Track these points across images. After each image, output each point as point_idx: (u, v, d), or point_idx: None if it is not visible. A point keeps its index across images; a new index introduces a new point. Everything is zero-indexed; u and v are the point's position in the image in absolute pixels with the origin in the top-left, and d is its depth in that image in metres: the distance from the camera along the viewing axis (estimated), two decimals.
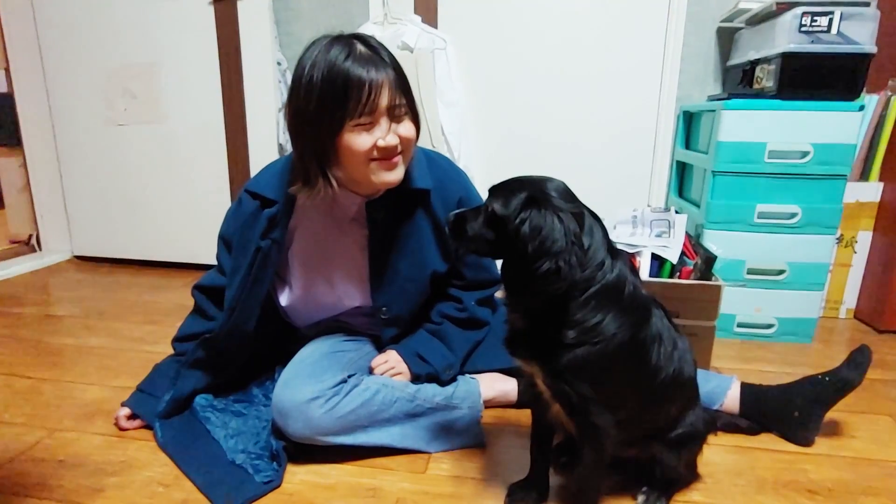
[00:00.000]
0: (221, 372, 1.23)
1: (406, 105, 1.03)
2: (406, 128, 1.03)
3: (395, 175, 1.05)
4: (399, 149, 1.03)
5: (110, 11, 2.21)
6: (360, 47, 0.98)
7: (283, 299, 1.22)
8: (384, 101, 0.98)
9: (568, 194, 0.83)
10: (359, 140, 0.98)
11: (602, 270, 0.80)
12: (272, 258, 1.15)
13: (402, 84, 1.01)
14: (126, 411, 1.20)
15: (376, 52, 0.99)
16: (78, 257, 2.61)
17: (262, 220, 1.12)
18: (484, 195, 0.88)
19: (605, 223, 0.86)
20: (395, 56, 1.03)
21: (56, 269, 2.47)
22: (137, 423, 1.20)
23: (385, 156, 1.01)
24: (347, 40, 0.98)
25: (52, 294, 2.15)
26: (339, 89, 0.95)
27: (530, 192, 0.79)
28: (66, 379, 1.43)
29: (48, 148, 2.47)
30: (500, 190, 0.83)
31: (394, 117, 1.01)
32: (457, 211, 0.90)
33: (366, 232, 1.15)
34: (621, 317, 0.81)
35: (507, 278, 0.84)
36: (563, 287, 0.76)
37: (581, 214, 0.81)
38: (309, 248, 1.18)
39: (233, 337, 1.18)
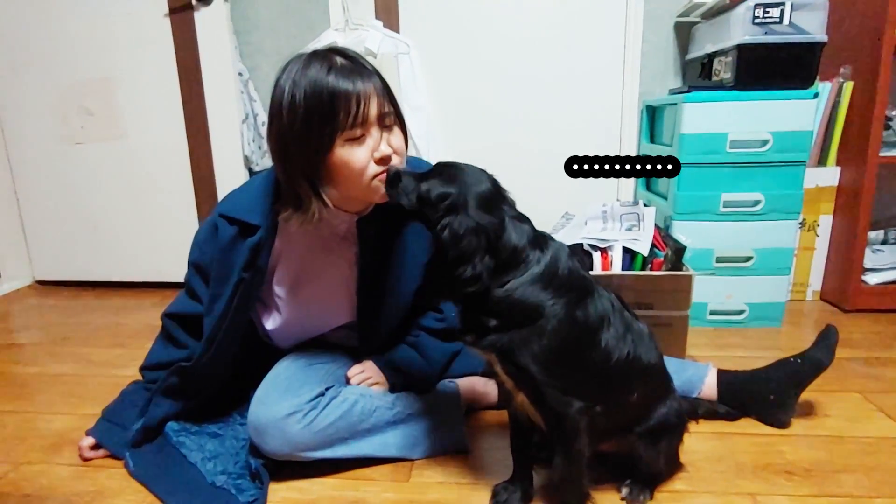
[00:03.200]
0: (195, 398, 1.18)
1: (394, 113, 1.00)
2: (397, 138, 1.00)
3: None
4: (394, 160, 0.99)
5: (61, 26, 2.14)
6: (339, 60, 0.95)
7: (269, 324, 1.18)
8: (374, 110, 0.95)
9: (489, 201, 0.87)
10: (354, 155, 0.95)
11: (525, 264, 0.85)
12: (255, 287, 1.10)
13: (388, 91, 0.99)
14: (90, 441, 1.15)
15: (357, 63, 0.97)
16: (39, 282, 2.52)
17: (243, 250, 1.05)
18: None
19: (532, 221, 0.91)
20: (375, 67, 0.99)
21: (16, 296, 2.38)
22: (102, 452, 1.15)
23: (383, 169, 0.97)
24: (325, 55, 0.95)
25: (12, 322, 2.07)
26: (325, 104, 0.92)
27: (455, 196, 0.86)
28: (30, 409, 1.37)
29: (2, 169, 2.37)
30: (439, 174, 0.89)
31: (384, 126, 0.98)
32: (403, 168, 0.94)
33: (356, 249, 1.12)
34: (554, 297, 0.83)
35: (429, 270, 0.91)
36: (478, 290, 0.83)
37: (500, 222, 0.85)
38: (295, 271, 1.14)
39: (212, 366, 1.13)
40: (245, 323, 1.14)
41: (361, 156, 0.95)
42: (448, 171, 0.90)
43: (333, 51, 0.97)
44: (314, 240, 1.12)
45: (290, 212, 1.01)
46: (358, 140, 0.95)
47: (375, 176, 0.97)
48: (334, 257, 1.13)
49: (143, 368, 1.22)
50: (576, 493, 0.90)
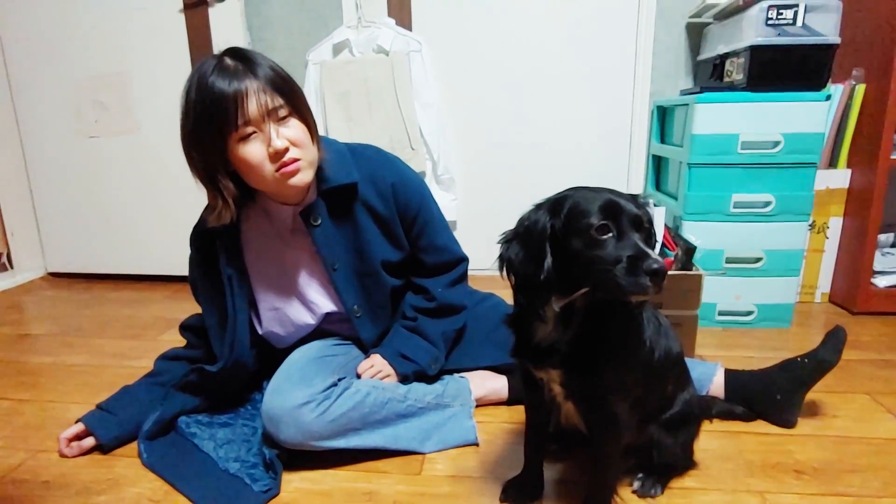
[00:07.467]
0: (211, 396, 1.22)
1: (287, 106, 1.01)
2: (292, 129, 1.02)
3: (302, 178, 1.04)
4: (293, 152, 1.01)
5: (77, 21, 2.16)
6: (227, 60, 0.98)
7: (260, 328, 1.22)
8: (253, 107, 0.97)
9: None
10: (248, 152, 0.99)
11: None
12: (244, 285, 1.16)
13: (277, 87, 1.00)
14: (75, 429, 1.14)
15: (243, 62, 0.98)
16: (52, 274, 2.54)
17: (219, 251, 1.14)
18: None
19: None
20: (272, 63, 1.02)
21: (29, 288, 2.40)
22: (78, 448, 1.13)
23: (281, 162, 1.00)
24: (218, 56, 0.99)
25: (26, 313, 2.09)
26: (208, 106, 0.96)
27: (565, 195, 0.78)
28: (46, 398, 1.40)
29: (17, 162, 2.40)
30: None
31: (277, 121, 1.00)
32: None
33: (310, 240, 1.15)
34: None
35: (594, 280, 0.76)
36: None
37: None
38: (265, 270, 1.19)
39: (235, 369, 1.17)
40: (247, 323, 1.18)
41: (256, 152, 0.99)
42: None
43: (229, 51, 1.00)
44: (272, 237, 1.17)
45: (207, 210, 1.07)
46: (249, 138, 0.98)
47: (278, 169, 1.01)
48: (295, 251, 1.18)
49: (159, 358, 1.25)
50: (610, 490, 0.91)
